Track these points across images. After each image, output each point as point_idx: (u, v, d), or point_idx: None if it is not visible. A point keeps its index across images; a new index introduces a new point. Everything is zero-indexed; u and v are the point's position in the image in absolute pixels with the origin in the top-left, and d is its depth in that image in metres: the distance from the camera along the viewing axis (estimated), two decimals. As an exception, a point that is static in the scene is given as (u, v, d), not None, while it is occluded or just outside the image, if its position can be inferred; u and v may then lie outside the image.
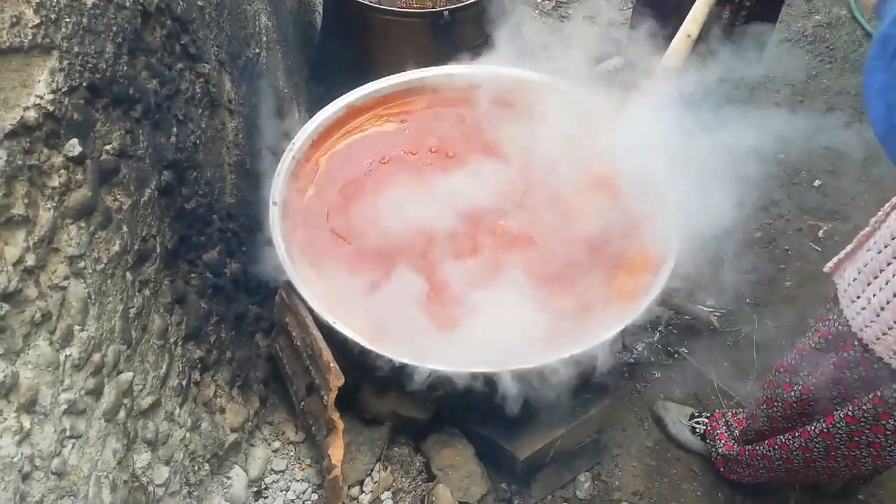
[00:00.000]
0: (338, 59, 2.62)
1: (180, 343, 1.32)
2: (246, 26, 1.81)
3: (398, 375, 1.54)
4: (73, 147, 0.99)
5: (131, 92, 1.15)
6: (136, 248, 1.15)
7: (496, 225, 1.79)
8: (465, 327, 1.59)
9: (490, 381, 1.50)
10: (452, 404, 1.76)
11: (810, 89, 2.98)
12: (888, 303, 1.21)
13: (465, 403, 1.75)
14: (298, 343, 1.67)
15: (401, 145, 1.98)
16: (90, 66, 1.03)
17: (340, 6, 2.48)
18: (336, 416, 1.57)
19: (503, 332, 1.55)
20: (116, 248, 1.09)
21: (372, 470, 1.72)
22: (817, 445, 1.49)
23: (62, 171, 0.97)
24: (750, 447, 1.73)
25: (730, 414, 1.88)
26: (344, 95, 2.01)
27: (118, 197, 1.11)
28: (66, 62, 0.97)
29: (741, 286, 2.39)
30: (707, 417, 1.98)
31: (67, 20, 0.98)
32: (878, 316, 1.24)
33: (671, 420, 2.03)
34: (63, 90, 0.97)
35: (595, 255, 1.69)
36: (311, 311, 1.58)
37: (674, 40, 1.59)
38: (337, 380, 1.55)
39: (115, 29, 1.10)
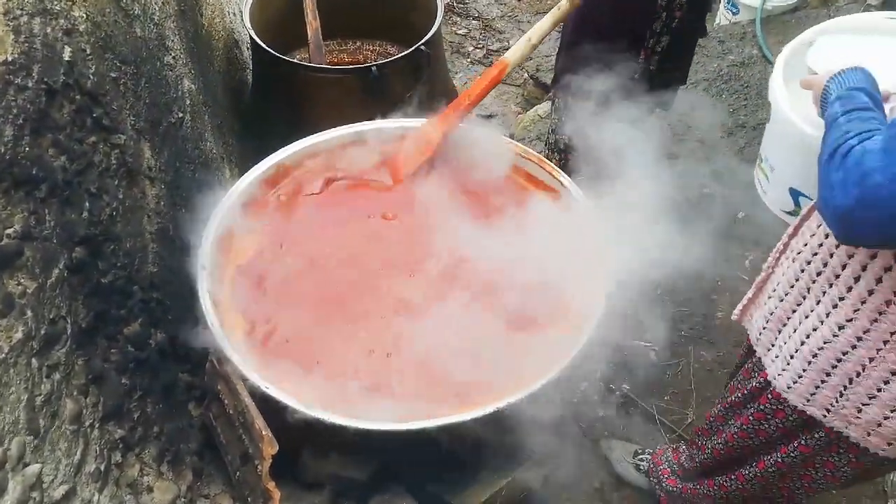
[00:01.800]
0: (270, 116, 2.63)
1: (97, 425, 1.27)
2: (167, 92, 1.80)
3: (335, 436, 1.52)
4: (-33, 236, 0.96)
5: (35, 172, 1.12)
6: (42, 332, 1.11)
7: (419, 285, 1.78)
8: (394, 383, 1.58)
9: (426, 436, 1.48)
10: (393, 461, 1.74)
11: (729, 125, 3.14)
12: (797, 351, 1.26)
13: (405, 460, 1.73)
14: (231, 411, 1.62)
15: (336, 203, 1.98)
16: (-14, 151, 1.01)
17: (270, 65, 2.50)
18: (271, 485, 1.52)
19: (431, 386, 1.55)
20: (19, 335, 1.05)
21: (314, 537, 1.67)
22: (753, 486, 1.54)
23: (-45, 261, 0.94)
24: (692, 485, 1.75)
25: (669, 450, 1.91)
26: (273, 154, 2.00)
27: (21, 281, 1.08)
28: (-43, 150, 0.95)
29: (676, 319, 2.46)
30: (650, 454, 2.00)
31: (-40, 107, 0.96)
32: (788, 364, 1.28)
33: (616, 458, 2.05)
34: (-45, 178, 0.94)
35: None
36: (242, 377, 1.55)
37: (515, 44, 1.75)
38: (270, 448, 1.51)
39: (15, 111, 1.09)
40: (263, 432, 1.50)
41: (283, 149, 2.01)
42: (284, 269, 1.77)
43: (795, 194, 2.04)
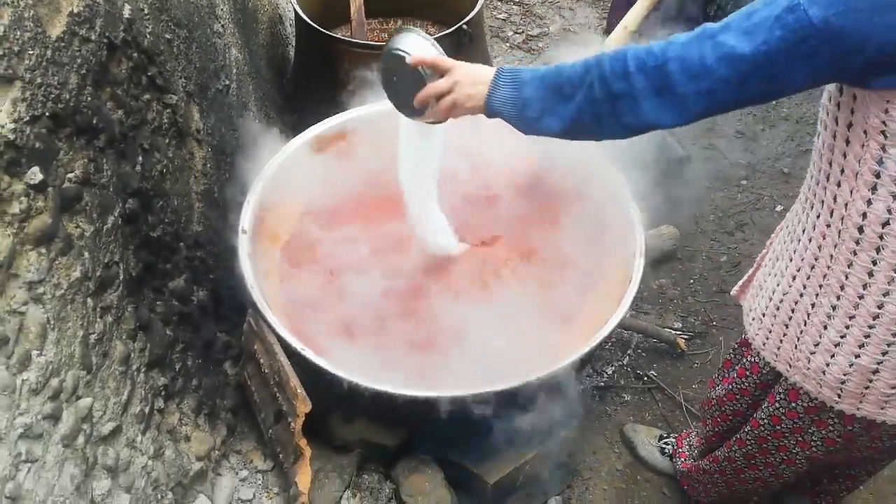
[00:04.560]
0: (311, 90, 2.67)
1: (143, 370, 1.32)
2: (216, 59, 1.85)
3: (368, 401, 1.55)
4: (35, 175, 1.00)
5: (95, 122, 1.17)
6: (98, 274, 1.16)
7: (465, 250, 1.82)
8: (438, 352, 1.61)
9: (461, 405, 1.50)
10: (422, 429, 1.77)
11: (771, 118, 3.09)
12: (766, 308, 1.31)
13: (434, 428, 1.76)
14: (266, 370, 1.67)
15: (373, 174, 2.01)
16: (53, 96, 1.05)
17: (313, 40, 2.53)
18: (303, 442, 1.56)
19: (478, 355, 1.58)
20: (77, 273, 1.10)
21: (341, 498, 1.71)
22: (736, 454, 1.56)
23: (22, 198, 0.99)
24: (697, 463, 1.78)
25: (693, 434, 1.90)
26: (313, 126, 2.04)
27: (80, 224, 1.13)
28: (28, 93, 1.00)
29: (708, 309, 2.44)
30: (675, 438, 2.00)
31: (31, 52, 1.01)
32: (761, 323, 1.33)
33: (640, 442, 2.05)
34: (25, 120, 0.99)
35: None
36: (278, 337, 1.59)
37: (613, 32, 1.68)
38: (304, 406, 1.55)
39: (79, 61, 1.13)
40: (298, 390, 1.54)
41: (322, 122, 2.05)
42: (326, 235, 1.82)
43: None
